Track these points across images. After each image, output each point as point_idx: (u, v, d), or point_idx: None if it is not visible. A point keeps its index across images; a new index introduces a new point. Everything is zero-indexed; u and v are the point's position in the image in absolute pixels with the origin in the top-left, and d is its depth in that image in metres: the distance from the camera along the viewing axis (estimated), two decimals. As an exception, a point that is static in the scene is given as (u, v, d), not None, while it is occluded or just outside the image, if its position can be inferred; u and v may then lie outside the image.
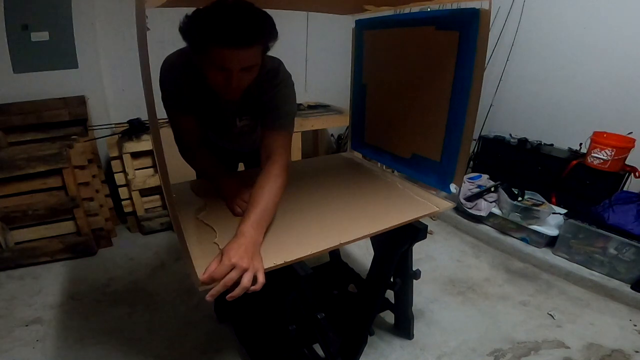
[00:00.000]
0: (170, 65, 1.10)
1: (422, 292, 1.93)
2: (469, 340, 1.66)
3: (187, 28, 0.92)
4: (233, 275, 0.79)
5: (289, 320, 1.14)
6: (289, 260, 0.93)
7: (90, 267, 2.13)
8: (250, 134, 1.31)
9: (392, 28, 1.46)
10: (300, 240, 1.02)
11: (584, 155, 2.41)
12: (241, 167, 1.74)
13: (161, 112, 0.89)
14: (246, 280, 0.79)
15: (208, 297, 0.78)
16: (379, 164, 1.85)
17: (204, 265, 0.90)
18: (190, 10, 0.96)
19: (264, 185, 1.01)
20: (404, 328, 1.66)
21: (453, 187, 1.31)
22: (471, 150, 2.87)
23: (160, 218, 2.50)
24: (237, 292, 0.79)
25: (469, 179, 2.73)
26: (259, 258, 0.87)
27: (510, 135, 2.89)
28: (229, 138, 1.39)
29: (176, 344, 1.61)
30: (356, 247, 2.34)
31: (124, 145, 2.26)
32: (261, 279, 0.82)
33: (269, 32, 0.94)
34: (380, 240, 1.34)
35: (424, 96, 1.36)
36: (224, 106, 1.16)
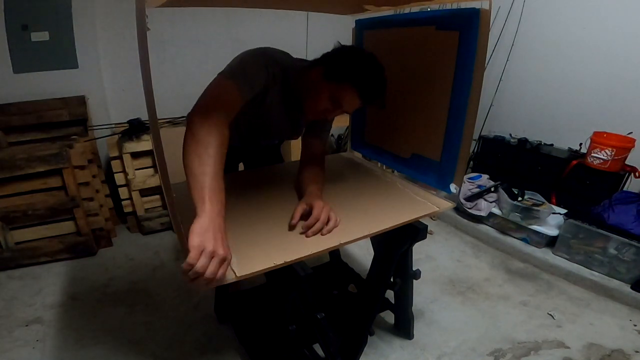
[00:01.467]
0: (268, 60, 1.09)
1: (422, 292, 1.93)
2: (469, 340, 1.66)
3: (341, 58, 1.06)
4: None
5: (289, 320, 1.14)
6: (289, 260, 0.93)
7: (90, 267, 2.13)
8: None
9: (392, 28, 1.46)
10: (300, 240, 1.02)
11: (584, 155, 2.41)
12: (240, 166, 1.74)
13: (161, 112, 0.88)
14: None
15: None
16: (379, 164, 1.85)
17: (204, 265, 0.89)
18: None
19: (305, 170, 1.25)
20: (404, 328, 1.66)
21: (453, 187, 1.31)
22: (471, 150, 2.87)
23: (160, 218, 2.50)
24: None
25: (469, 179, 2.73)
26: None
27: (510, 135, 2.89)
28: (256, 139, 1.41)
29: (176, 344, 1.61)
30: (356, 247, 2.34)
31: (124, 145, 2.26)
32: None
33: (383, 104, 1.15)
34: (380, 240, 1.34)
35: (424, 96, 1.36)
36: (292, 119, 1.29)
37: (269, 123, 1.27)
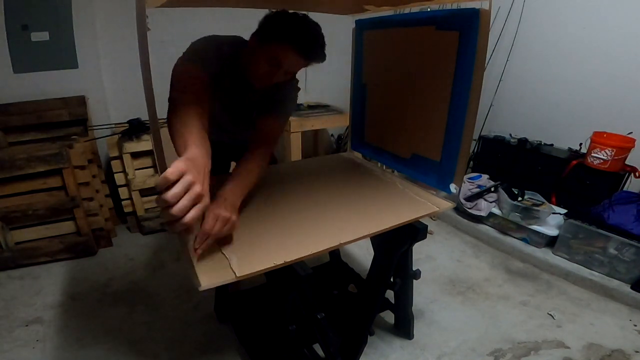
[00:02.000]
0: (219, 42, 1.12)
1: (422, 292, 1.93)
2: (469, 340, 1.66)
3: (271, 20, 1.03)
4: (218, 225, 0.88)
5: (289, 320, 1.14)
6: (289, 260, 0.93)
7: (90, 267, 2.13)
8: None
9: (392, 28, 1.46)
10: (300, 240, 1.02)
11: (584, 155, 2.41)
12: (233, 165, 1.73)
13: (161, 112, 0.89)
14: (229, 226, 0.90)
15: (196, 249, 0.85)
16: (379, 164, 1.85)
17: (204, 265, 0.90)
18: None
19: (249, 160, 1.11)
20: (404, 328, 1.66)
21: (453, 187, 1.31)
22: (471, 150, 2.87)
23: (160, 218, 2.50)
24: (218, 228, 0.88)
25: (469, 179, 2.73)
26: (238, 215, 0.97)
27: (510, 135, 2.89)
28: (234, 130, 1.40)
29: (176, 344, 1.61)
30: (356, 247, 2.34)
31: (124, 145, 2.26)
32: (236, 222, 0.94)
33: (323, 58, 1.09)
34: (380, 240, 1.34)
35: (424, 96, 1.36)
36: (247, 97, 1.24)
37: (232, 107, 1.26)
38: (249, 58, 1.10)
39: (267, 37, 1.03)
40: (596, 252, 2.06)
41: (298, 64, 1.08)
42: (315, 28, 1.05)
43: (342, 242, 1.03)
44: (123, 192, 2.40)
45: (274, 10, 1.06)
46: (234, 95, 1.22)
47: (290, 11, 1.04)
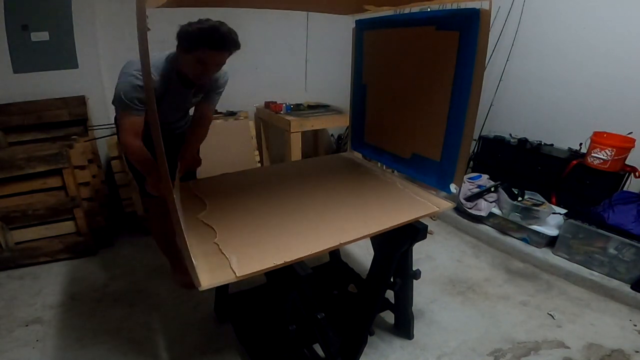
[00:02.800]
0: (146, 72, 1.36)
1: (422, 292, 1.93)
2: (469, 340, 1.66)
3: (186, 33, 1.29)
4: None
5: (289, 320, 1.14)
6: (289, 260, 0.93)
7: (90, 267, 2.13)
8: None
9: (392, 28, 1.46)
10: (300, 240, 1.03)
11: (584, 155, 2.41)
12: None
13: (161, 112, 0.89)
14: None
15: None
16: (379, 164, 1.85)
17: (204, 265, 0.90)
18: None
19: (195, 129, 1.66)
20: (404, 328, 1.66)
21: (453, 187, 1.31)
22: (471, 150, 2.87)
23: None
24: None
25: (469, 179, 2.73)
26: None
27: (510, 135, 2.89)
28: (176, 120, 1.70)
29: (176, 344, 1.61)
30: (356, 247, 2.34)
31: (124, 145, 2.25)
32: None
33: (237, 45, 1.32)
34: (380, 240, 1.34)
35: (424, 96, 1.36)
36: (192, 91, 1.54)
37: (181, 103, 1.57)
38: (183, 65, 1.37)
39: (186, 48, 1.30)
40: (596, 252, 2.06)
41: (220, 56, 1.32)
42: (221, 26, 1.29)
43: (342, 242, 1.03)
44: (123, 192, 2.40)
45: (183, 24, 1.31)
46: (183, 93, 1.50)
47: (194, 22, 1.29)
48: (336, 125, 3.12)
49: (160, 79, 1.39)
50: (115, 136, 2.39)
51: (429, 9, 1.48)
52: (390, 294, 1.56)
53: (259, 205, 1.26)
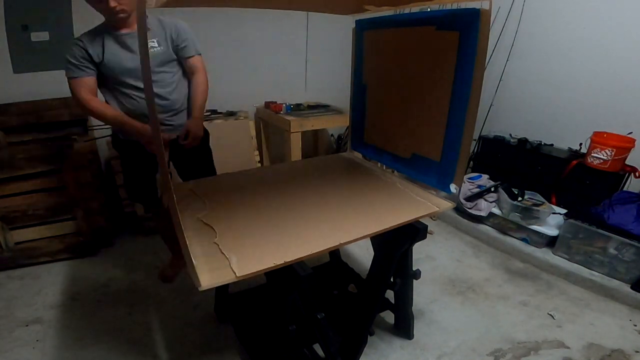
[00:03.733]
0: (82, 36, 1.44)
1: (422, 292, 1.93)
2: (469, 340, 1.66)
3: None
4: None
5: (289, 320, 1.14)
6: (289, 260, 0.93)
7: (90, 267, 2.13)
8: (170, 76, 1.58)
9: (392, 28, 1.46)
10: (300, 240, 1.03)
11: (584, 155, 2.41)
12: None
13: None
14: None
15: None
16: (379, 164, 1.85)
17: (204, 265, 0.90)
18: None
19: (196, 89, 1.58)
20: (404, 328, 1.66)
21: (453, 187, 1.31)
22: (471, 150, 2.87)
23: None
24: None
25: (469, 179, 2.73)
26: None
27: (510, 135, 2.89)
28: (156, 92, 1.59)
29: (176, 344, 1.61)
30: (356, 247, 2.34)
31: (124, 145, 2.25)
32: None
33: None
34: (380, 240, 1.34)
35: (424, 96, 1.36)
36: (120, 35, 1.47)
37: (118, 55, 1.48)
38: (98, 13, 1.38)
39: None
40: (596, 252, 2.06)
41: None
42: None
43: (342, 242, 1.03)
44: (123, 192, 2.40)
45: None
46: (121, 43, 1.45)
47: None
48: (336, 125, 3.12)
49: (89, 37, 1.42)
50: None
51: (429, 9, 1.48)
52: (390, 294, 1.56)
53: (259, 205, 1.26)
